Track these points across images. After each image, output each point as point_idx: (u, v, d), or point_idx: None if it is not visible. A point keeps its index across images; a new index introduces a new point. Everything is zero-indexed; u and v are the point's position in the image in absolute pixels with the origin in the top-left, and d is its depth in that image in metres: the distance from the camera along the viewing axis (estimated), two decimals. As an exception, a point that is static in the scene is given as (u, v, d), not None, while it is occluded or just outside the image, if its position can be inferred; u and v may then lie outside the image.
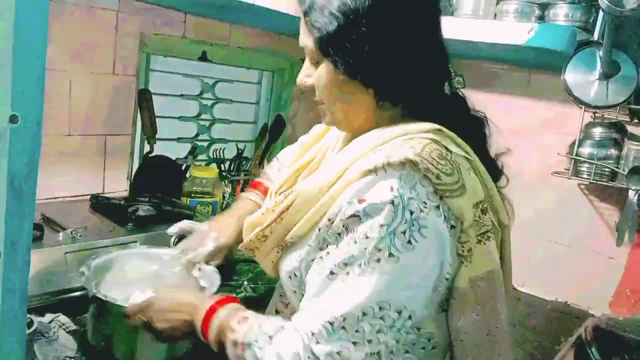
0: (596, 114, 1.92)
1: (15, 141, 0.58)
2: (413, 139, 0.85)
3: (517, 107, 2.11)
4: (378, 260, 0.78)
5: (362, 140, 0.91)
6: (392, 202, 0.78)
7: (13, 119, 0.57)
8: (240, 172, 2.34)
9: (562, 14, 1.65)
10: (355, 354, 0.78)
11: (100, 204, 1.70)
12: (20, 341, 0.73)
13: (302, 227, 0.91)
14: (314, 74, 0.93)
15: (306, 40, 0.91)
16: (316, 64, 0.92)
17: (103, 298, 1.10)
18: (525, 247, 2.15)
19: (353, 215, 0.81)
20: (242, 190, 2.33)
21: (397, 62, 0.86)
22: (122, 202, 1.69)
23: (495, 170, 0.98)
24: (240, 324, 0.89)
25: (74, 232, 1.40)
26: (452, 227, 0.83)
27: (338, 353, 0.78)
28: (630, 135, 1.85)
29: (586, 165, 1.85)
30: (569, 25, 1.63)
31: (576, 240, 2.01)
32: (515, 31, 1.62)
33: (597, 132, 1.87)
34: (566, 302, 2.02)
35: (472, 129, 0.97)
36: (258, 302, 1.50)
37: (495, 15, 1.75)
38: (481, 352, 0.88)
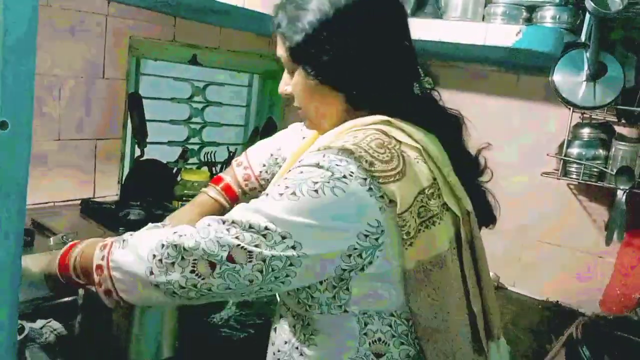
0: (584, 115, 1.93)
1: (4, 147, 0.58)
2: (360, 130, 0.90)
3: (506, 108, 2.13)
4: (281, 194, 0.83)
5: (325, 135, 0.97)
6: (317, 164, 0.84)
7: (2, 125, 0.57)
8: (232, 175, 2.33)
9: (549, 16, 1.66)
10: (231, 245, 0.79)
11: (91, 209, 1.69)
12: (9, 348, 0.73)
13: None
14: (291, 82, 0.99)
15: (280, 51, 0.98)
16: (292, 72, 0.98)
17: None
18: (515, 247, 2.17)
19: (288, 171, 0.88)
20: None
21: (364, 66, 0.92)
22: (113, 207, 1.69)
23: (475, 165, 1.04)
24: (101, 250, 0.91)
25: (64, 237, 1.40)
26: (383, 197, 0.84)
27: (216, 233, 0.80)
28: (618, 135, 1.87)
29: (575, 165, 1.87)
30: (556, 27, 1.64)
31: (566, 240, 2.03)
32: (503, 33, 1.63)
33: (586, 132, 1.89)
34: (557, 301, 2.03)
35: (446, 126, 1.00)
36: (243, 305, 1.51)
37: (483, 17, 1.76)
38: (440, 337, 0.90)
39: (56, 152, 1.72)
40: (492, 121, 2.15)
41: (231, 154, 2.34)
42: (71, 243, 1.00)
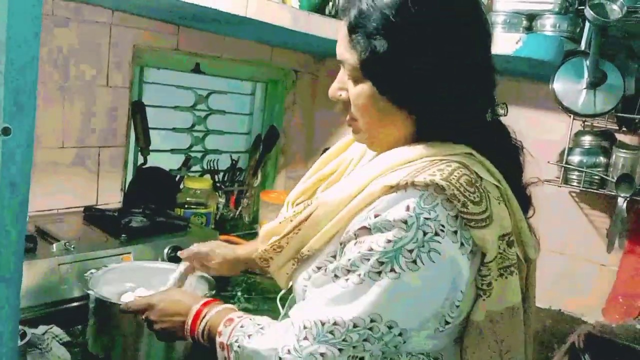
0: (585, 123, 1.94)
1: (7, 153, 0.59)
2: (442, 161, 0.81)
3: (507, 116, 2.13)
4: (379, 274, 0.77)
5: (388, 155, 0.87)
6: (405, 222, 0.76)
7: (5, 131, 0.58)
8: (234, 183, 2.35)
9: (549, 24, 1.68)
10: (338, 358, 0.79)
11: (93, 216, 1.70)
12: (12, 353, 0.73)
13: (319, 240, 0.89)
14: (352, 91, 0.87)
15: (347, 55, 0.86)
16: (355, 80, 0.86)
17: (100, 297, 1.16)
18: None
19: (364, 227, 0.80)
20: (237, 200, 2.34)
21: (442, 91, 0.82)
22: (116, 214, 1.69)
23: (524, 200, 0.95)
24: (225, 326, 0.92)
25: (67, 243, 1.40)
26: (473, 254, 0.80)
27: (321, 354, 0.79)
28: (619, 143, 1.87)
29: (576, 173, 1.87)
30: (556, 35, 1.66)
31: (568, 248, 2.03)
32: (503, 42, 1.64)
33: (587, 140, 1.89)
34: (559, 309, 2.03)
35: (509, 158, 0.94)
36: (252, 313, 1.51)
37: (484, 26, 1.77)
38: None
39: (59, 160, 1.73)
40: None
41: (234, 162, 2.35)
42: (197, 310, 0.98)
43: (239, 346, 0.87)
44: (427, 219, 0.76)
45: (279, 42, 2.27)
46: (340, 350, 0.79)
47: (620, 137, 1.90)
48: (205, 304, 0.98)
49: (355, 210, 0.83)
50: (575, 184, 1.88)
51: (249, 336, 0.88)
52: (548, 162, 1.95)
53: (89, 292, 1.18)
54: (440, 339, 0.86)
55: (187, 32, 1.98)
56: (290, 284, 1.03)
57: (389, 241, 0.76)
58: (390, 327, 0.78)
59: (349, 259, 0.80)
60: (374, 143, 0.93)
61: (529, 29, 1.72)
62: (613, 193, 1.78)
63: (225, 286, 1.68)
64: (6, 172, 0.60)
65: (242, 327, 0.90)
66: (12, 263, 0.67)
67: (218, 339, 0.91)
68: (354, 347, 0.79)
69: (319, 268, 0.90)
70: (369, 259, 0.78)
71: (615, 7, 1.52)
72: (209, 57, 2.12)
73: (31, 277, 1.28)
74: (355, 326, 0.78)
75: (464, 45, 0.82)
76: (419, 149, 0.85)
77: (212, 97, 2.32)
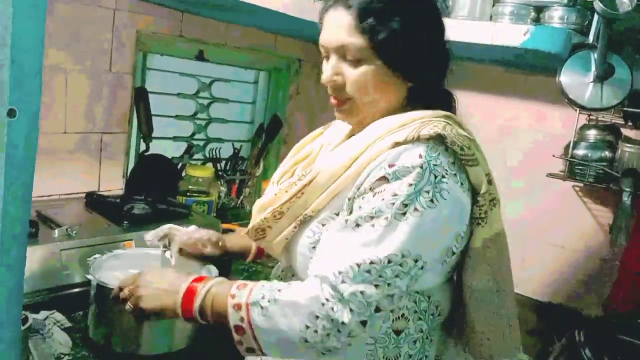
0: (591, 117, 1.93)
1: (12, 135, 0.58)
2: (431, 121, 0.94)
3: (512, 108, 2.12)
4: (404, 214, 0.87)
5: (381, 122, 0.97)
6: (421, 166, 0.88)
7: (11, 113, 0.58)
8: (236, 172, 2.34)
9: (557, 16, 1.66)
10: (375, 295, 0.86)
11: (95, 202, 1.70)
12: (15, 337, 0.73)
13: (324, 200, 0.97)
14: (352, 72, 0.96)
15: (351, 39, 0.94)
16: (357, 62, 0.95)
17: (101, 283, 1.14)
18: (519, 249, 2.16)
19: (381, 178, 0.89)
20: (238, 189, 2.33)
21: (436, 62, 0.99)
22: (118, 201, 1.69)
23: None
24: (240, 289, 0.92)
25: (69, 229, 1.40)
26: (469, 192, 0.94)
27: (361, 292, 0.86)
28: (624, 137, 1.87)
29: (580, 167, 1.86)
30: (564, 27, 1.64)
31: (570, 242, 2.02)
32: (510, 33, 1.63)
33: (592, 134, 1.88)
34: (560, 303, 2.03)
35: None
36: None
37: (491, 17, 1.76)
38: (492, 308, 0.99)
39: (62, 145, 1.72)
40: (498, 121, 2.15)
41: (236, 150, 2.34)
42: (189, 287, 0.96)
43: (268, 300, 0.88)
44: (435, 165, 0.89)
45: (284, 31, 2.26)
46: (376, 286, 0.86)
47: (625, 131, 1.89)
48: (198, 279, 0.98)
49: (364, 165, 0.93)
50: (579, 178, 1.87)
51: (279, 290, 0.90)
52: (553, 155, 1.94)
53: (89, 277, 1.17)
54: (439, 274, 0.98)
55: (191, 19, 1.97)
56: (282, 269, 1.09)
57: (410, 185, 0.87)
58: (416, 261, 0.88)
59: (373, 207, 0.88)
60: (359, 116, 1.02)
61: (537, 21, 1.71)
62: (618, 188, 1.78)
63: (226, 274, 1.67)
64: (11, 154, 0.59)
65: (263, 286, 0.91)
66: (15, 247, 0.67)
67: (232, 301, 0.90)
68: (388, 284, 0.86)
69: (322, 225, 0.98)
70: (394, 203, 0.87)
71: (624, -1, 1.50)
72: (213, 44, 2.11)
73: (33, 263, 1.28)
74: (389, 262, 0.86)
75: (439, 19, 1.00)
76: (408, 115, 0.97)
77: (215, 85, 2.31)
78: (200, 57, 2.12)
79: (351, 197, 0.93)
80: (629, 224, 1.78)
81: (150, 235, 1.29)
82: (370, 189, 0.90)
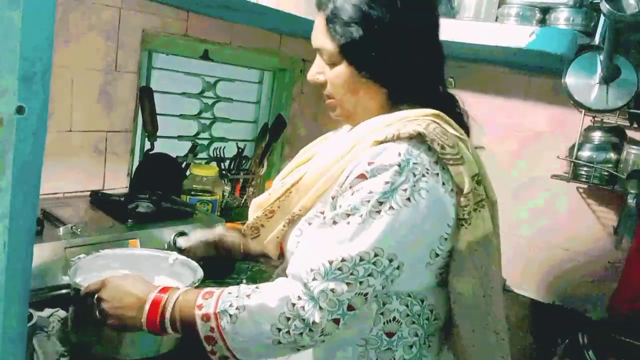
0: (596, 118, 1.92)
1: (21, 132, 0.58)
2: (416, 120, 0.94)
3: (517, 110, 2.12)
4: (379, 212, 0.86)
5: (368, 122, 0.98)
6: (399, 165, 0.87)
7: (20, 110, 0.58)
8: (240, 171, 2.34)
9: (563, 17, 1.66)
10: (347, 293, 0.85)
11: (100, 200, 1.70)
12: (21, 335, 0.73)
13: (311, 198, 0.98)
14: (330, 74, 1.00)
15: (324, 43, 0.98)
16: (332, 64, 0.99)
17: (76, 286, 1.10)
18: (523, 250, 2.16)
19: (360, 175, 0.89)
20: (242, 188, 2.33)
21: (410, 65, 0.97)
22: (122, 199, 1.69)
23: None
24: (206, 298, 0.91)
25: (73, 227, 1.40)
26: (453, 192, 0.92)
27: (332, 290, 0.85)
28: (630, 139, 1.86)
29: (585, 168, 1.86)
30: (570, 29, 1.64)
31: (574, 244, 2.02)
32: (516, 34, 1.62)
33: (597, 136, 1.88)
34: (564, 305, 2.03)
35: (459, 121, 1.04)
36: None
37: (496, 18, 1.76)
38: (477, 314, 0.97)
39: (67, 144, 1.73)
40: (503, 123, 2.14)
41: (240, 150, 2.34)
42: (154, 299, 0.95)
43: (236, 308, 0.87)
44: (415, 163, 0.88)
45: (288, 31, 2.26)
46: (348, 284, 0.85)
47: (631, 133, 1.89)
48: (163, 290, 0.96)
49: (345, 165, 0.93)
50: (584, 179, 1.87)
51: (247, 296, 0.89)
52: (557, 156, 1.93)
53: (66, 278, 1.13)
54: (426, 277, 0.96)
55: (197, 18, 1.97)
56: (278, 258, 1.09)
57: (387, 182, 0.87)
58: (390, 260, 0.87)
59: (349, 204, 0.88)
60: (349, 117, 1.04)
61: (543, 22, 1.70)
62: (622, 190, 1.77)
63: (229, 274, 1.67)
64: (20, 151, 0.59)
65: (230, 293, 0.90)
66: (22, 245, 0.67)
67: (199, 312, 0.89)
68: (360, 282, 0.86)
69: (309, 223, 0.98)
70: (369, 200, 0.87)
71: (631, 1, 1.49)
72: (218, 43, 2.11)
73: (37, 261, 1.28)
74: (361, 260, 0.85)
75: (421, 30, 0.98)
76: (394, 114, 0.97)
77: (220, 84, 2.31)
78: (205, 56, 2.12)
79: (334, 196, 0.93)
80: (633, 226, 1.78)
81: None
82: (349, 186, 0.90)
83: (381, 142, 0.91)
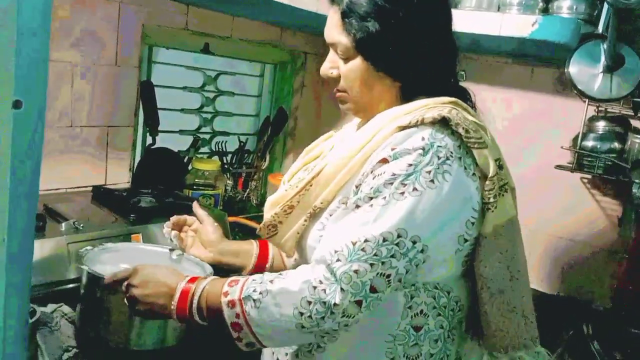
0: (599, 108, 1.91)
1: (18, 126, 0.58)
2: (436, 107, 0.94)
3: (520, 100, 2.10)
4: (402, 193, 0.86)
5: (387, 112, 0.98)
6: (423, 148, 0.88)
7: (17, 104, 0.57)
8: (242, 165, 2.34)
9: (566, 6, 1.64)
10: (370, 274, 0.85)
11: (102, 195, 1.70)
12: (21, 330, 0.73)
13: (332, 190, 0.97)
14: (344, 67, 0.99)
15: (339, 37, 0.97)
16: (346, 58, 0.98)
17: (91, 272, 1.10)
18: (527, 241, 2.14)
19: (382, 160, 0.90)
20: (244, 182, 2.33)
21: (425, 59, 0.97)
22: (125, 194, 1.69)
23: None
24: (231, 286, 0.92)
25: (76, 222, 1.40)
26: (475, 176, 0.93)
27: (355, 271, 0.85)
28: (634, 128, 1.85)
29: (589, 158, 1.85)
30: (573, 17, 1.62)
31: (579, 234, 2.01)
32: (519, 24, 1.61)
33: (601, 125, 1.87)
34: (568, 295, 2.02)
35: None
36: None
37: (498, 7, 1.74)
38: (505, 298, 0.97)
39: (68, 139, 1.72)
40: (506, 113, 2.13)
41: (242, 144, 2.34)
42: (183, 289, 0.96)
43: (260, 293, 0.88)
44: (439, 146, 0.89)
45: (290, 24, 2.25)
46: (371, 265, 0.85)
47: (635, 122, 1.87)
48: (192, 280, 0.97)
49: (369, 153, 0.93)
50: (588, 169, 1.86)
51: (271, 281, 0.89)
52: (561, 147, 1.92)
53: (82, 267, 1.13)
54: (454, 265, 0.96)
55: (197, 12, 1.96)
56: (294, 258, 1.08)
57: (410, 165, 0.87)
58: (414, 242, 0.86)
59: (372, 187, 0.88)
60: (360, 111, 1.04)
61: (546, 11, 1.69)
62: (627, 179, 1.76)
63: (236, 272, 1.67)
64: (17, 146, 0.58)
65: (254, 280, 0.91)
66: (22, 240, 0.66)
67: (225, 299, 0.90)
68: (382, 262, 0.85)
69: (331, 215, 0.98)
70: (392, 183, 0.87)
71: (635, -12, 1.48)
72: (218, 37, 2.10)
73: (40, 256, 1.28)
74: (384, 240, 0.85)
75: (436, 23, 0.98)
76: (412, 103, 0.97)
77: (221, 78, 2.31)
78: (205, 50, 2.11)
79: (358, 185, 0.93)
80: (637, 216, 1.77)
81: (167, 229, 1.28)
82: (371, 171, 0.90)
83: (404, 128, 0.91)
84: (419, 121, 0.90)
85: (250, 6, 1.77)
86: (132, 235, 1.45)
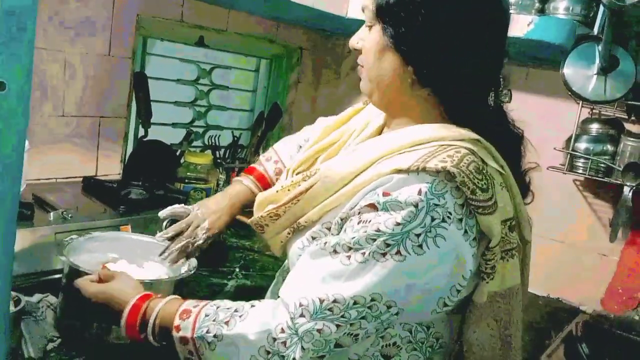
0: (593, 110, 1.91)
1: (2, 109, 0.57)
2: (450, 147, 0.82)
3: (514, 100, 2.10)
4: (384, 255, 0.78)
5: (396, 135, 0.89)
6: (416, 205, 0.77)
7: (0, 86, 0.56)
8: (235, 160, 2.32)
9: (562, 7, 1.64)
10: (335, 334, 0.79)
11: (92, 186, 1.69)
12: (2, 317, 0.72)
13: (317, 213, 0.91)
14: (367, 36, 0.91)
15: (369, 1, 0.89)
16: (370, 27, 0.90)
17: (70, 263, 1.09)
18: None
19: (371, 205, 0.81)
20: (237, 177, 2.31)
21: (444, 48, 0.83)
22: (115, 185, 1.68)
23: (523, 186, 0.97)
24: (183, 319, 0.87)
25: (64, 212, 1.39)
26: (475, 241, 0.82)
27: (318, 331, 0.79)
28: (627, 131, 1.85)
29: (582, 160, 1.85)
30: (569, 18, 1.62)
31: (569, 236, 2.01)
32: (514, 24, 1.59)
33: (594, 127, 1.87)
34: (558, 297, 2.02)
35: (510, 145, 0.95)
36: (250, 290, 1.50)
37: (495, 7, 1.73)
38: None
39: (60, 128, 1.71)
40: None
41: (235, 138, 2.33)
42: (130, 307, 0.93)
43: (214, 336, 0.83)
44: (436, 205, 0.77)
45: (285, 18, 2.24)
46: (337, 326, 0.79)
47: (628, 126, 1.87)
48: (143, 298, 0.94)
49: (360, 187, 0.84)
50: (580, 171, 1.86)
51: (226, 323, 0.84)
52: (554, 148, 1.92)
53: (61, 257, 1.11)
54: (433, 315, 0.87)
55: (192, 3, 1.95)
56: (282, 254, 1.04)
57: (398, 224, 0.77)
58: (389, 307, 0.80)
59: (353, 237, 0.80)
60: (372, 91, 0.93)
61: (542, 12, 1.68)
62: (619, 182, 1.76)
63: (222, 262, 1.66)
64: (1, 128, 0.57)
65: (207, 316, 0.86)
66: (3, 224, 0.65)
67: (177, 334, 0.86)
68: (351, 324, 0.79)
69: (313, 238, 0.91)
70: (375, 239, 0.78)
71: (631, -10, 1.48)
72: (214, 30, 2.09)
73: (27, 245, 1.27)
74: (355, 303, 0.78)
75: (475, 11, 0.84)
76: (427, 132, 0.86)
77: (215, 71, 2.30)
78: (200, 42, 2.10)
79: (343, 218, 0.85)
80: (629, 219, 1.77)
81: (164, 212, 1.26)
82: (358, 213, 0.82)
83: (403, 170, 0.80)
84: (420, 169, 0.78)
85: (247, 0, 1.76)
86: (121, 227, 1.44)
